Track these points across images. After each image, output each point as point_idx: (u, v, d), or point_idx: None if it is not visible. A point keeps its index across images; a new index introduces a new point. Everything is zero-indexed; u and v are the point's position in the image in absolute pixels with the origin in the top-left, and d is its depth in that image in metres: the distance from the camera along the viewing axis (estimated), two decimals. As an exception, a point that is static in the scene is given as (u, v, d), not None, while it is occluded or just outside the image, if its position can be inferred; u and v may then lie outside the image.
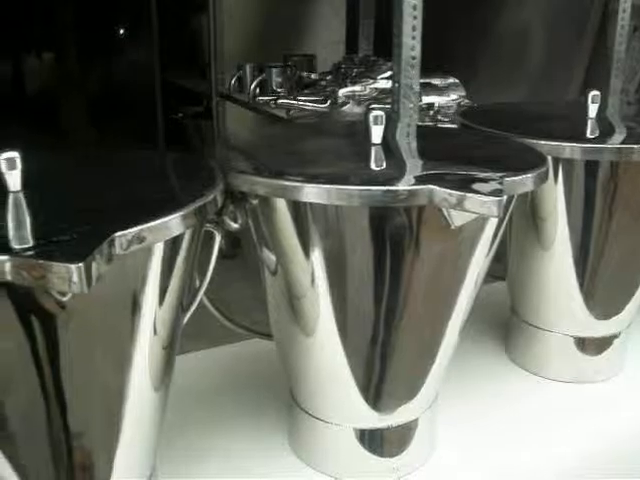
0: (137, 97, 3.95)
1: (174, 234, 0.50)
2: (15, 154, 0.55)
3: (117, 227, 0.47)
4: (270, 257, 0.66)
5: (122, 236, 0.46)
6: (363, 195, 0.56)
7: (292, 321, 0.68)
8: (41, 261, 0.41)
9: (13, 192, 0.54)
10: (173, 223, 0.50)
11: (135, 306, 0.52)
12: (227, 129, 2.65)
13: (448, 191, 0.55)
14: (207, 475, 0.74)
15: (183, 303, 0.60)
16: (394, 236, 0.61)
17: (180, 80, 3.33)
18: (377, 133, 0.69)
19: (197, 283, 0.67)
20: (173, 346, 0.59)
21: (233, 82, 2.55)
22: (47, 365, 0.51)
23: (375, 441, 0.73)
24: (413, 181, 0.59)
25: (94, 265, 0.42)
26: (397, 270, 0.63)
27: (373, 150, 0.68)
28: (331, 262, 0.63)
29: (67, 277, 0.41)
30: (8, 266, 0.43)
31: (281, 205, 0.61)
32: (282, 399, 0.80)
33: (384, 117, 0.69)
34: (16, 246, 0.44)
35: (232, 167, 0.63)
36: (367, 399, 0.71)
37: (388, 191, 0.56)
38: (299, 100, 1.97)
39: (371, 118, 0.69)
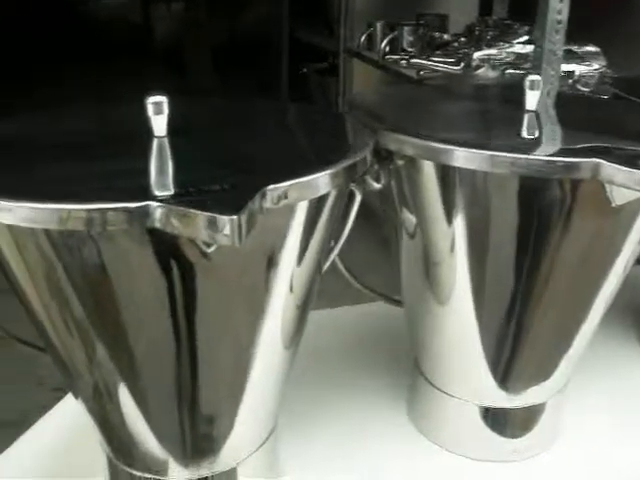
0: (263, 49, 3.96)
1: (322, 192, 0.49)
2: (163, 98, 0.55)
3: (267, 180, 0.45)
4: (410, 220, 0.64)
5: (274, 190, 0.45)
6: (523, 164, 0.53)
7: (426, 287, 0.66)
8: (193, 210, 0.40)
9: (158, 137, 0.54)
10: (322, 181, 0.48)
11: (274, 262, 0.51)
12: (353, 87, 2.62)
13: (617, 166, 0.50)
14: (322, 435, 0.74)
15: (320, 263, 0.59)
16: (546, 209, 0.57)
17: (307, 35, 3.32)
18: (532, 99, 0.64)
19: (331, 243, 0.66)
20: (307, 305, 0.58)
21: (363, 39, 2.51)
22: (182, 313, 0.51)
23: (498, 420, 0.71)
24: (574, 153, 0.55)
25: (246, 218, 0.40)
26: (544, 246, 0.59)
27: (527, 117, 0.64)
28: (474, 230, 0.60)
29: (220, 229, 0.39)
30: (159, 212, 0.42)
31: (429, 168, 0.59)
32: (404, 367, 0.78)
33: (541, 82, 0.65)
34: (158, 193, 0.44)
35: (380, 125, 0.60)
36: (496, 376, 0.68)
37: (550, 162, 0.52)
38: (432, 60, 1.91)
39: (527, 83, 0.64)
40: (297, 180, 0.46)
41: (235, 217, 0.39)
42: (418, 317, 0.70)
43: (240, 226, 0.40)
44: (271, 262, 0.51)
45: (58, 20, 5.33)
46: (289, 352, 0.59)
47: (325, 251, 0.61)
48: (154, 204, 0.42)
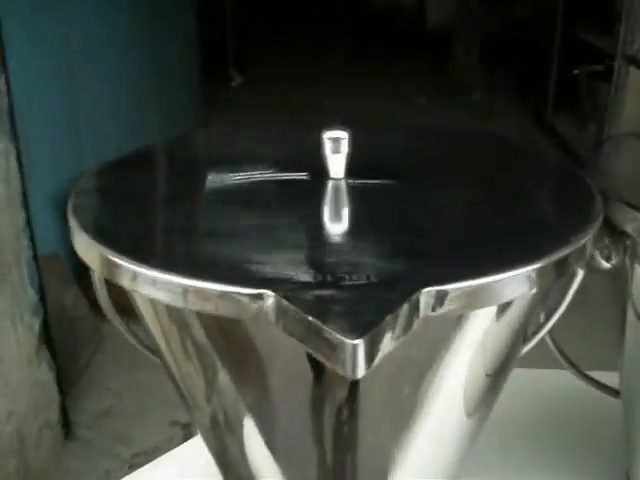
0: (532, 44, 3.71)
1: (512, 297, 0.35)
2: (343, 134, 0.44)
3: (433, 274, 0.33)
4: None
5: (435, 294, 0.32)
6: None
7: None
8: (305, 316, 0.29)
9: (333, 179, 0.44)
10: (513, 283, 0.35)
11: (438, 371, 0.39)
12: (625, 100, 2.33)
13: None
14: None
15: (518, 351, 0.46)
16: None
17: (583, 32, 3.02)
18: None
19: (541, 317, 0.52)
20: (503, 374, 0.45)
21: (644, 44, 2.22)
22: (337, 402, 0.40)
23: None
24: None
25: (375, 342, 0.29)
26: None
27: None
28: None
29: (335, 352, 0.28)
30: (271, 304, 0.32)
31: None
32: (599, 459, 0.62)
33: None
34: (285, 275, 0.33)
35: (616, 196, 0.45)
36: None
37: None
38: None
39: None
40: (471, 283, 0.33)
41: (358, 342, 0.28)
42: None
43: (365, 353, 0.28)
44: (434, 370, 0.39)
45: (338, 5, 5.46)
46: (474, 420, 0.47)
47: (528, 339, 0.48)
48: (268, 293, 0.32)
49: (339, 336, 0.28)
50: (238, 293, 0.32)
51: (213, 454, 0.49)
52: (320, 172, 0.45)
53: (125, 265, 0.36)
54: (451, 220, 0.41)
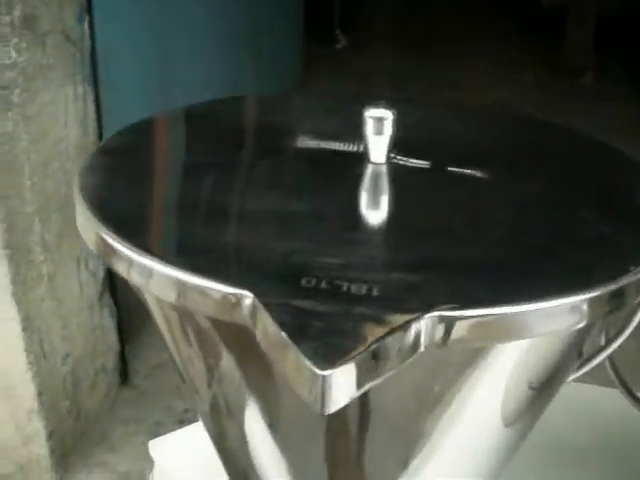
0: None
1: (548, 331, 0.30)
2: (387, 113, 0.39)
3: (447, 293, 0.28)
4: None
5: (445, 320, 0.27)
6: None
7: None
8: (278, 330, 0.25)
9: (373, 164, 0.38)
10: (555, 313, 0.29)
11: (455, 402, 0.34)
12: None
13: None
14: None
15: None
16: None
17: None
18: None
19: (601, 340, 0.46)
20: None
21: None
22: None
23: None
24: None
25: (359, 372, 0.24)
26: None
27: None
28: None
29: (306, 383, 0.24)
30: (246, 307, 0.27)
31: None
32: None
33: None
34: (279, 273, 0.29)
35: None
36: None
37: None
38: None
39: None
40: (492, 310, 0.28)
41: (329, 373, 0.23)
42: None
43: (340, 387, 0.24)
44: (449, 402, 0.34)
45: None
46: (513, 430, 0.42)
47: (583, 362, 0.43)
48: (246, 294, 0.27)
49: (309, 363, 0.23)
50: (213, 289, 0.28)
51: (213, 440, 0.46)
52: (362, 154, 0.40)
53: (115, 247, 0.32)
54: (491, 225, 0.36)
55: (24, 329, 1.12)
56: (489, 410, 0.38)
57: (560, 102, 2.99)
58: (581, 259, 0.33)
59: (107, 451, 1.37)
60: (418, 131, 0.43)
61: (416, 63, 3.27)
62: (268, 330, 0.25)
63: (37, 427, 1.21)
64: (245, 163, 0.42)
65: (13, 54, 0.95)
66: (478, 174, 0.40)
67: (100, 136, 1.24)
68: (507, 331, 0.28)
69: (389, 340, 0.24)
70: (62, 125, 1.11)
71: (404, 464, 0.40)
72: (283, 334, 0.24)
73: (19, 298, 1.08)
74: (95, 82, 1.19)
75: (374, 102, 0.40)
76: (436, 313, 0.26)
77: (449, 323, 0.26)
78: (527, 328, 0.28)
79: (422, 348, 0.25)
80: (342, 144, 0.42)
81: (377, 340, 0.24)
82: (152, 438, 1.37)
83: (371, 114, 0.39)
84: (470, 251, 0.31)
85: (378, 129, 0.39)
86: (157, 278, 0.29)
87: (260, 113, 0.51)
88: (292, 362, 0.23)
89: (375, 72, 2.95)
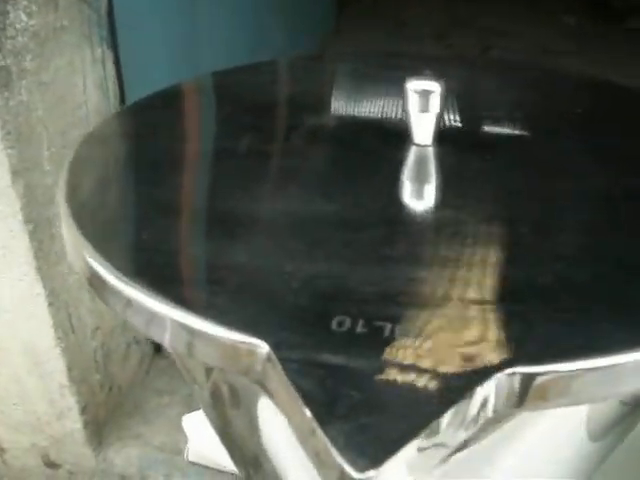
0: None
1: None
2: (434, 85, 0.32)
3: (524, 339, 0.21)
4: None
5: (524, 377, 0.21)
6: None
7: None
8: (306, 411, 0.19)
9: (418, 146, 0.32)
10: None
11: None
12: None
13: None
14: None
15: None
16: None
17: None
18: None
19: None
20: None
21: None
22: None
23: None
24: None
25: (410, 468, 0.18)
26: None
27: None
28: None
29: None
30: (260, 363, 0.21)
31: None
32: None
33: None
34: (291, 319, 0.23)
35: None
36: None
37: None
38: None
39: None
40: (582, 364, 0.21)
41: (365, 477, 0.17)
42: None
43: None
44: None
45: None
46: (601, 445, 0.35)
47: None
48: (260, 345, 0.21)
49: (340, 460, 0.17)
50: (216, 337, 0.22)
51: (216, 431, 0.41)
52: (404, 134, 0.33)
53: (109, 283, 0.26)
54: (566, 236, 0.29)
55: (50, 304, 1.08)
56: (576, 424, 0.32)
57: (604, 47, 2.85)
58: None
59: (141, 423, 1.35)
60: (469, 101, 0.36)
61: (454, 10, 3.13)
62: (286, 395, 0.19)
63: (69, 402, 1.19)
64: (269, 152, 0.35)
65: (23, 18, 0.89)
66: (542, 159, 0.33)
67: (122, 100, 1.18)
68: (602, 388, 0.21)
69: (451, 416, 0.18)
70: (80, 90, 1.05)
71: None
72: (306, 412, 0.18)
73: (44, 273, 1.05)
74: (114, 44, 1.12)
75: (416, 67, 0.33)
76: (511, 370, 0.19)
77: (527, 381, 0.19)
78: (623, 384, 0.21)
79: (490, 414, 0.19)
80: (379, 122, 0.36)
81: (433, 418, 0.17)
82: (186, 409, 1.34)
83: (414, 87, 0.32)
84: (544, 277, 0.24)
85: (423, 105, 0.32)
86: (145, 316, 0.23)
87: (288, 83, 0.45)
88: (317, 450, 0.17)
89: (412, 21, 2.83)
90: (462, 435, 0.19)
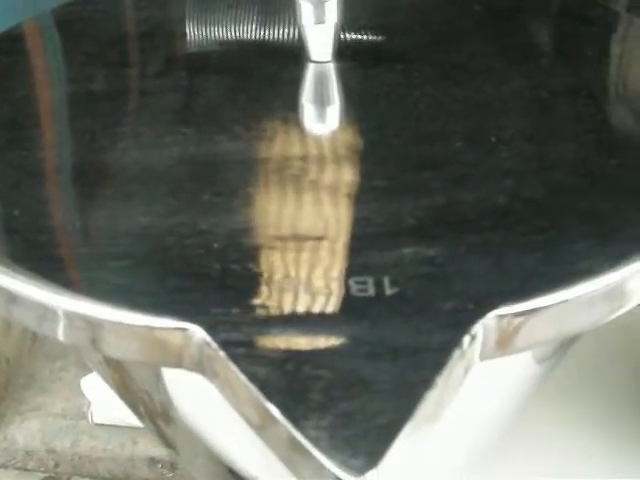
0: None
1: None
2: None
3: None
4: None
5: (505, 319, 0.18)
6: None
7: None
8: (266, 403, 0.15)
9: (315, 62, 0.27)
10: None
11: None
12: None
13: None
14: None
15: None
16: None
17: None
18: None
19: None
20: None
21: None
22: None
23: None
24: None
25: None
26: None
27: None
28: None
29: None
30: (194, 345, 0.17)
31: None
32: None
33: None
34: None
35: None
36: None
37: None
38: None
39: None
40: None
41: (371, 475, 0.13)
42: None
43: None
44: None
45: None
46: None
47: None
48: (191, 328, 0.17)
49: (334, 469, 0.13)
50: (130, 326, 0.17)
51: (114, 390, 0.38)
52: (297, 52, 0.29)
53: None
54: (507, 147, 0.25)
55: None
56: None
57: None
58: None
59: (38, 394, 1.28)
60: (371, 8, 0.32)
61: None
62: (235, 390, 0.15)
63: (-44, 384, 1.11)
64: (146, 90, 0.30)
65: None
66: (469, 65, 0.30)
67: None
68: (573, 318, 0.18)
69: (444, 380, 0.14)
70: None
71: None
72: (270, 407, 0.14)
73: None
74: None
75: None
76: (494, 313, 0.16)
77: (508, 324, 0.17)
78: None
79: (477, 363, 0.16)
80: (270, 38, 0.31)
81: (426, 388, 0.14)
82: (82, 371, 1.28)
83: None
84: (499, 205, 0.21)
85: (318, 16, 0.28)
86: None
87: (145, 8, 0.39)
88: (295, 458, 0.14)
89: None
90: (452, 397, 0.16)
